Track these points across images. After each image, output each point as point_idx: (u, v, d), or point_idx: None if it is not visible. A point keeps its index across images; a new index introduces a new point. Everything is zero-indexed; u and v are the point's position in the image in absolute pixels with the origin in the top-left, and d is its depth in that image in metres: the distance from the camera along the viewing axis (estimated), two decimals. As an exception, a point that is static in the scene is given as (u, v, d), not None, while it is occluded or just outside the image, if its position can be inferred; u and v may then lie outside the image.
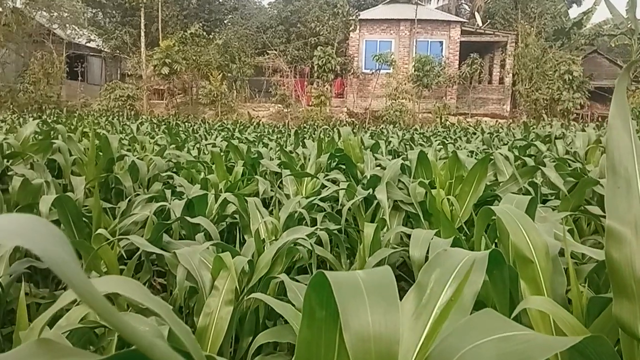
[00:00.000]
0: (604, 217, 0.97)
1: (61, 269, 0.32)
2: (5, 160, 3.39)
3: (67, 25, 26.17)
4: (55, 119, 14.89)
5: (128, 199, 3.25)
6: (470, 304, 0.94)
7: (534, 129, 10.76)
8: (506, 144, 6.78)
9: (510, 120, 23.29)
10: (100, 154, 3.87)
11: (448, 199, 2.76)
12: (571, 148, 5.42)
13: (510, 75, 25.89)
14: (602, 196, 2.68)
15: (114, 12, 31.71)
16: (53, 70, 24.18)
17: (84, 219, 2.63)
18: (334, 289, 0.63)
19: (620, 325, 0.88)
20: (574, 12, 35.22)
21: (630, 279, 0.87)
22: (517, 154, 4.84)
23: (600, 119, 20.35)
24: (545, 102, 23.78)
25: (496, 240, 1.87)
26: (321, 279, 0.68)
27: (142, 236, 2.44)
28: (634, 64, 0.99)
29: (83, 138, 5.48)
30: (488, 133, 10.99)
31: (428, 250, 1.93)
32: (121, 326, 0.35)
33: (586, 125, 14.18)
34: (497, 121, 22.92)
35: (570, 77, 23.02)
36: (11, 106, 22.98)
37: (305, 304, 0.72)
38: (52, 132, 4.41)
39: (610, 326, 1.04)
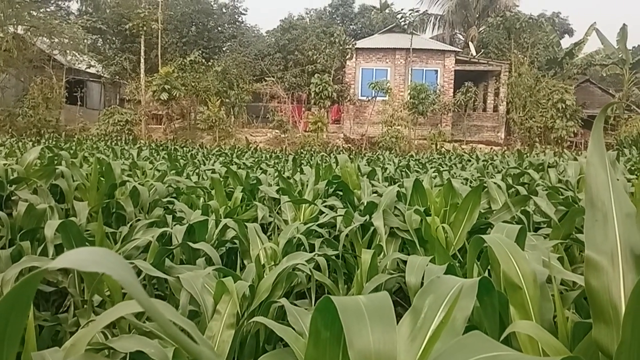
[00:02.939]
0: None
1: (131, 289, 0.40)
2: (9, 185, 3.45)
3: (68, 51, 26.49)
4: (54, 143, 14.98)
5: (129, 224, 3.31)
6: (462, 328, 1.02)
7: (527, 156, 10.91)
8: (500, 172, 6.89)
9: (505, 148, 23.54)
10: (102, 179, 3.94)
11: (443, 227, 2.84)
12: (564, 176, 5.52)
13: (504, 103, 26.29)
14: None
15: (114, 38, 32.19)
16: (52, 95, 24.40)
17: (86, 243, 2.69)
18: (339, 312, 0.70)
19: (599, 348, 0.95)
20: (566, 42, 35.92)
21: (607, 305, 0.94)
22: (510, 182, 4.94)
23: (593, 147, 20.56)
24: (539, 129, 24.11)
25: (489, 267, 1.95)
26: (327, 303, 0.76)
27: (145, 260, 2.50)
28: (609, 107, 1.09)
29: (84, 163, 5.56)
30: (483, 160, 11.13)
31: (423, 277, 1.99)
32: (175, 335, 0.42)
33: (579, 152, 14.37)
34: (491, 148, 23.18)
35: (563, 106, 23.41)
36: (10, 130, 23.10)
37: (312, 326, 0.80)
38: (55, 158, 4.48)
39: (593, 350, 1.11)
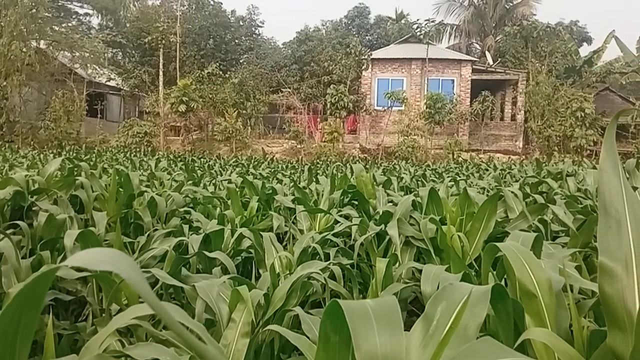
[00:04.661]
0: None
1: (138, 287, 0.41)
2: (30, 196, 3.52)
3: (88, 64, 27.09)
4: (75, 155, 15.25)
5: (147, 233, 3.36)
6: (475, 335, 1.01)
7: (546, 165, 10.78)
8: (518, 181, 6.82)
9: (523, 157, 23.30)
10: (121, 190, 4.00)
11: (458, 236, 2.81)
12: (583, 185, 5.45)
13: (522, 112, 26.05)
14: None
15: (133, 52, 32.82)
16: (73, 108, 24.89)
17: (105, 253, 2.72)
18: (346, 315, 0.71)
19: (614, 355, 0.94)
20: (585, 50, 35.46)
21: (622, 311, 0.93)
22: (528, 191, 4.89)
23: (614, 155, 20.22)
24: (558, 138, 23.82)
25: (505, 277, 1.93)
26: (335, 307, 0.77)
27: (162, 269, 2.52)
28: (621, 114, 1.09)
29: (103, 174, 5.65)
30: (500, 170, 11.02)
31: (439, 286, 1.98)
32: (180, 332, 0.44)
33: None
34: (509, 157, 22.97)
35: (583, 114, 23.11)
36: (32, 142, 23.61)
37: (321, 330, 0.80)
38: (75, 169, 4.57)
39: (609, 358, 1.09)
